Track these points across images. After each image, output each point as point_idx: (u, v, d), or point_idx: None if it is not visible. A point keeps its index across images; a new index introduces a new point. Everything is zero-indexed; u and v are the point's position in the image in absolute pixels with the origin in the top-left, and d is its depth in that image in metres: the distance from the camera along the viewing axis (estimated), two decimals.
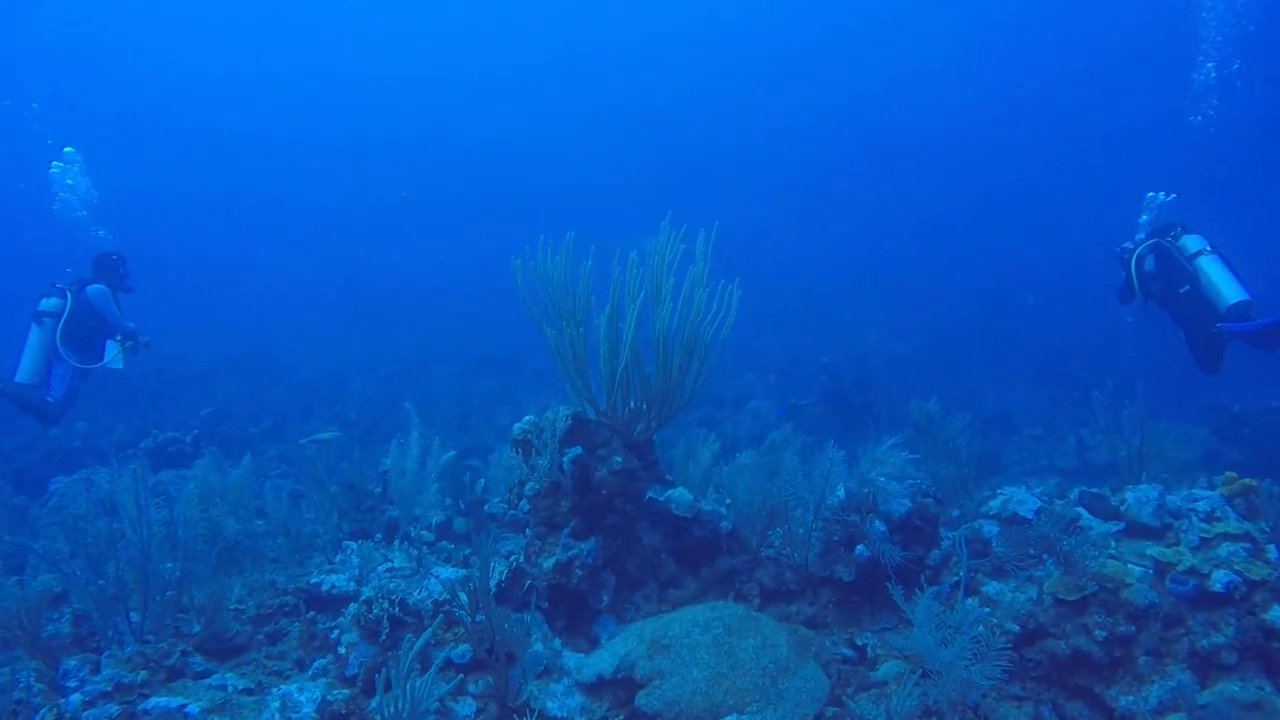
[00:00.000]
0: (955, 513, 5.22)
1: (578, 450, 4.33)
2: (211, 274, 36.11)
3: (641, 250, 4.35)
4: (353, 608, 3.83)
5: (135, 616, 3.69)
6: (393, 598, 3.70)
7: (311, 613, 4.40)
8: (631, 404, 4.49)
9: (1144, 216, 6.70)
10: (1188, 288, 5.84)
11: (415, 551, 5.12)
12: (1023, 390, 13.13)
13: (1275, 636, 3.59)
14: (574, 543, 4.23)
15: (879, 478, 4.30)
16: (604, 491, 4.38)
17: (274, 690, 3.30)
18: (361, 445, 13.06)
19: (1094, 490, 4.63)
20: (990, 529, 4.89)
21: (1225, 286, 5.66)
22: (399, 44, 42.00)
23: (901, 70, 38.15)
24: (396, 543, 5.42)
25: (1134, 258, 6.28)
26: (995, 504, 5.06)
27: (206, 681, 3.30)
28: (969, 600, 4.26)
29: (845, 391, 11.32)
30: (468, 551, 5.84)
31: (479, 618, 3.60)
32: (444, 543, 6.00)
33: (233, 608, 4.67)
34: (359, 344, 22.14)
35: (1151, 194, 6.82)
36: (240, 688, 3.30)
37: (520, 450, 4.60)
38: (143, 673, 3.21)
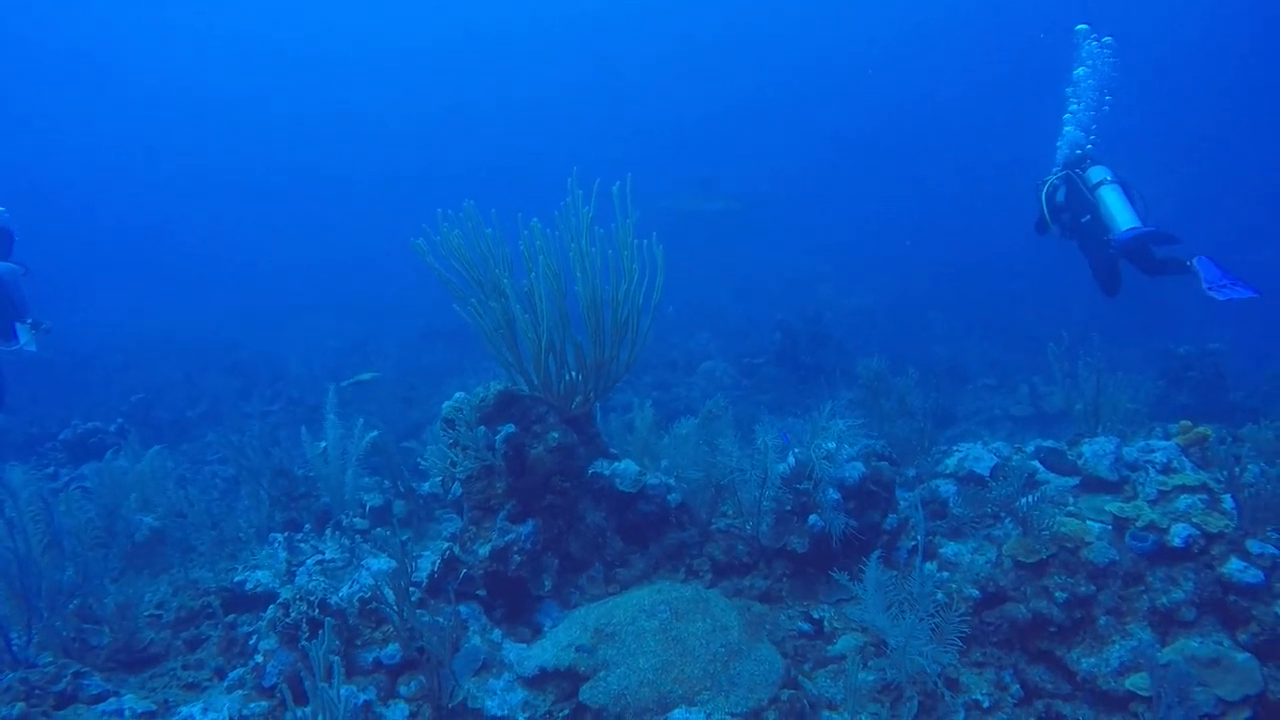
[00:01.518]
0: (911, 472, 5.07)
1: (510, 428, 4.05)
2: (140, 251, 34.28)
3: (559, 212, 4.04)
4: (271, 610, 3.54)
5: (18, 637, 3.32)
6: (311, 598, 3.40)
7: (231, 615, 4.09)
8: (567, 376, 4.21)
9: (1060, 144, 6.74)
10: (1088, 217, 5.97)
11: (348, 541, 4.82)
12: (975, 341, 13.12)
13: (1232, 589, 3.48)
14: (511, 526, 3.97)
15: (829, 443, 4.10)
16: (541, 470, 4.12)
17: (180, 711, 3.00)
18: (307, 425, 12.64)
19: (1050, 444, 4.50)
20: (947, 488, 4.76)
21: (1120, 214, 5.76)
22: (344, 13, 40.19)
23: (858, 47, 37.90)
24: (329, 532, 5.12)
25: (1044, 190, 6.39)
26: (951, 462, 4.92)
27: (101, 707, 2.97)
28: (927, 565, 4.11)
29: (799, 349, 11.18)
30: (407, 536, 5.57)
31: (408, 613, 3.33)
32: (380, 529, 5.70)
33: (150, 613, 4.34)
34: (308, 320, 21.38)
35: (1069, 117, 6.85)
36: (139, 711, 2.98)
37: (451, 430, 4.31)
38: (20, 705, 2.85)
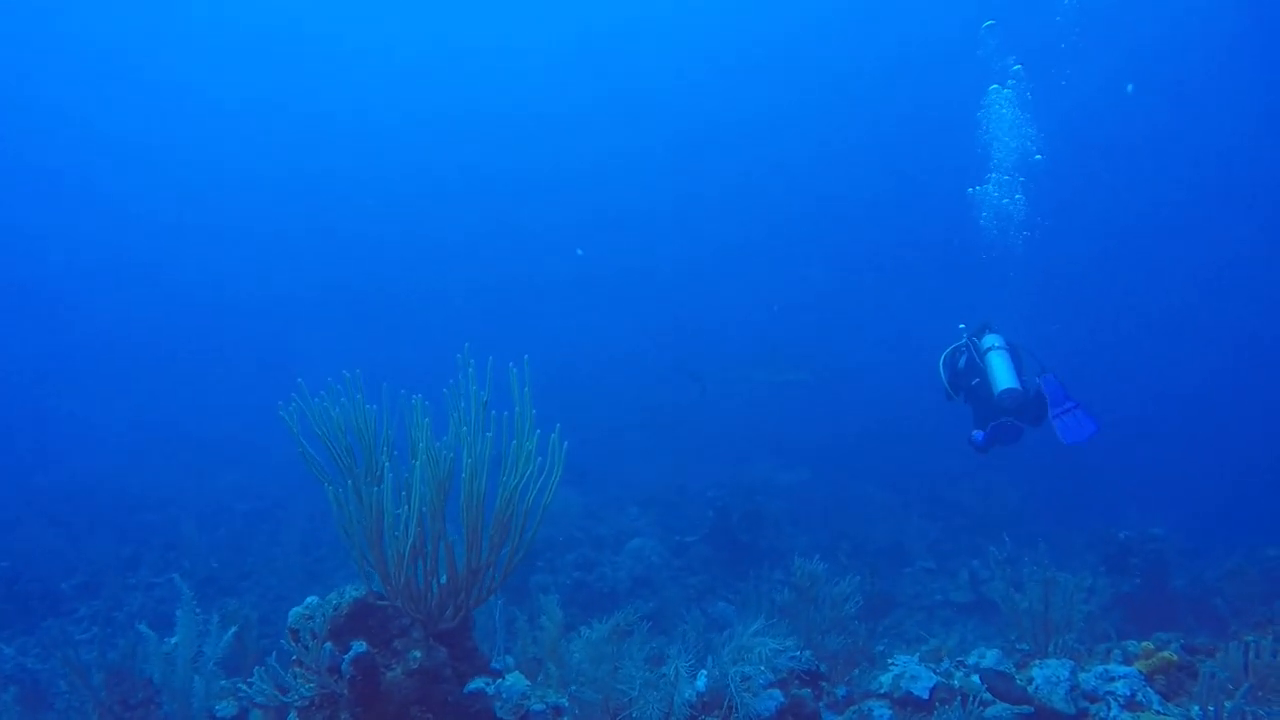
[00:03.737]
0: (841, 691, 4.41)
1: (361, 647, 3.36)
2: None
3: (449, 389, 3.56)
4: None
5: None
6: None
7: None
8: (437, 583, 3.58)
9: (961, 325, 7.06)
10: (977, 380, 6.27)
11: None
12: (915, 519, 12.70)
13: None
14: None
15: (745, 669, 3.48)
16: (397, 698, 3.40)
17: None
18: (196, 600, 11.40)
19: (998, 669, 3.93)
20: (882, 713, 4.12)
21: (999, 376, 6.02)
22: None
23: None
24: None
25: (942, 359, 6.70)
26: (887, 680, 4.30)
27: None
28: None
29: (733, 528, 10.59)
30: None
31: None
32: None
33: None
34: (223, 475, 19.88)
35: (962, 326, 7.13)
36: None
37: (297, 643, 3.59)
38: None
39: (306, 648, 3.29)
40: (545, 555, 10.41)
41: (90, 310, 35.56)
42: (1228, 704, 3.23)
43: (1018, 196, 9.68)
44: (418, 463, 3.43)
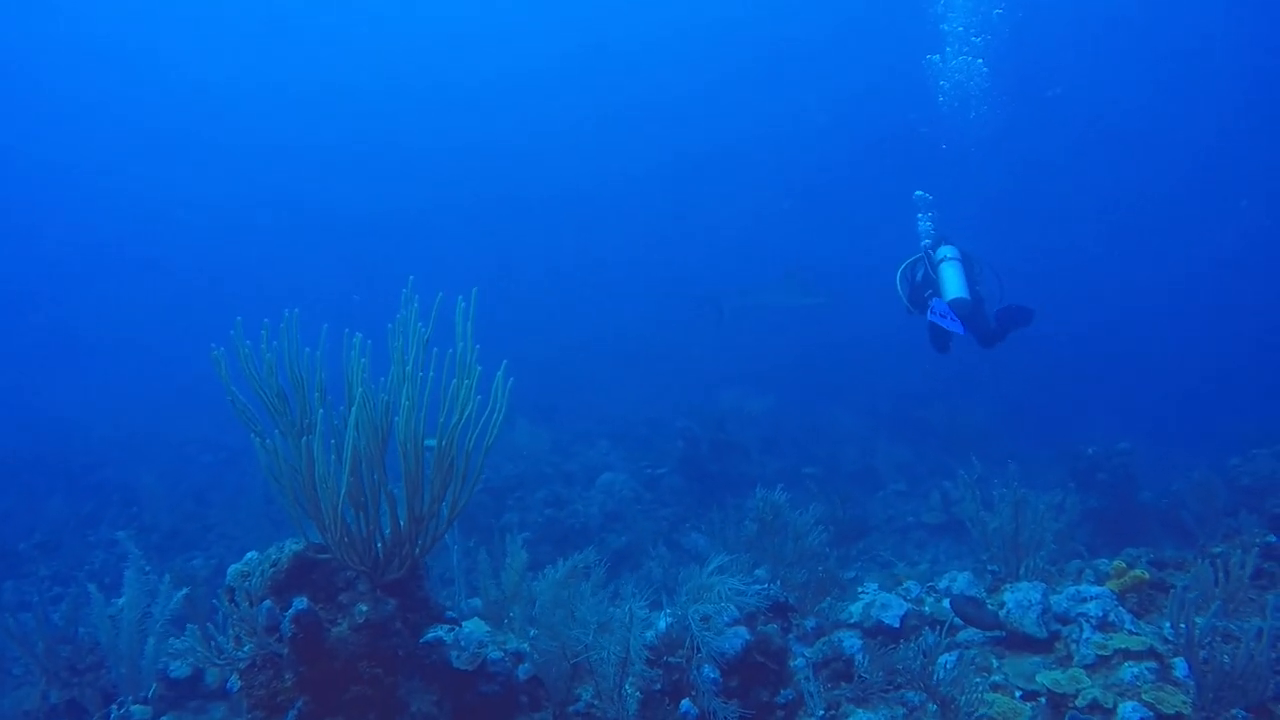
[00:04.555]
0: (811, 623, 4.31)
1: (302, 603, 3.15)
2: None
3: (396, 325, 3.29)
4: None
5: None
6: None
7: None
8: (381, 534, 3.37)
9: (921, 225, 7.16)
10: (930, 291, 6.35)
11: None
12: (885, 442, 12.69)
13: None
14: None
15: (708, 606, 3.33)
16: (344, 654, 3.21)
17: None
18: (157, 556, 11.17)
19: (969, 595, 3.82)
20: (852, 643, 4.01)
21: (948, 285, 6.14)
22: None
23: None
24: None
25: (899, 272, 6.73)
26: (857, 609, 4.21)
27: None
28: None
29: (703, 458, 10.49)
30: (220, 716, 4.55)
31: None
32: (188, 708, 4.62)
33: None
34: (184, 424, 19.42)
35: (920, 193, 7.28)
36: None
37: (234, 603, 3.38)
38: None
39: (238, 607, 3.08)
40: (516, 494, 10.27)
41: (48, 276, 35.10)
42: (1200, 620, 3.13)
43: (979, 61, 9.26)
44: (354, 408, 3.19)
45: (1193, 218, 30.68)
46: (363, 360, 3.31)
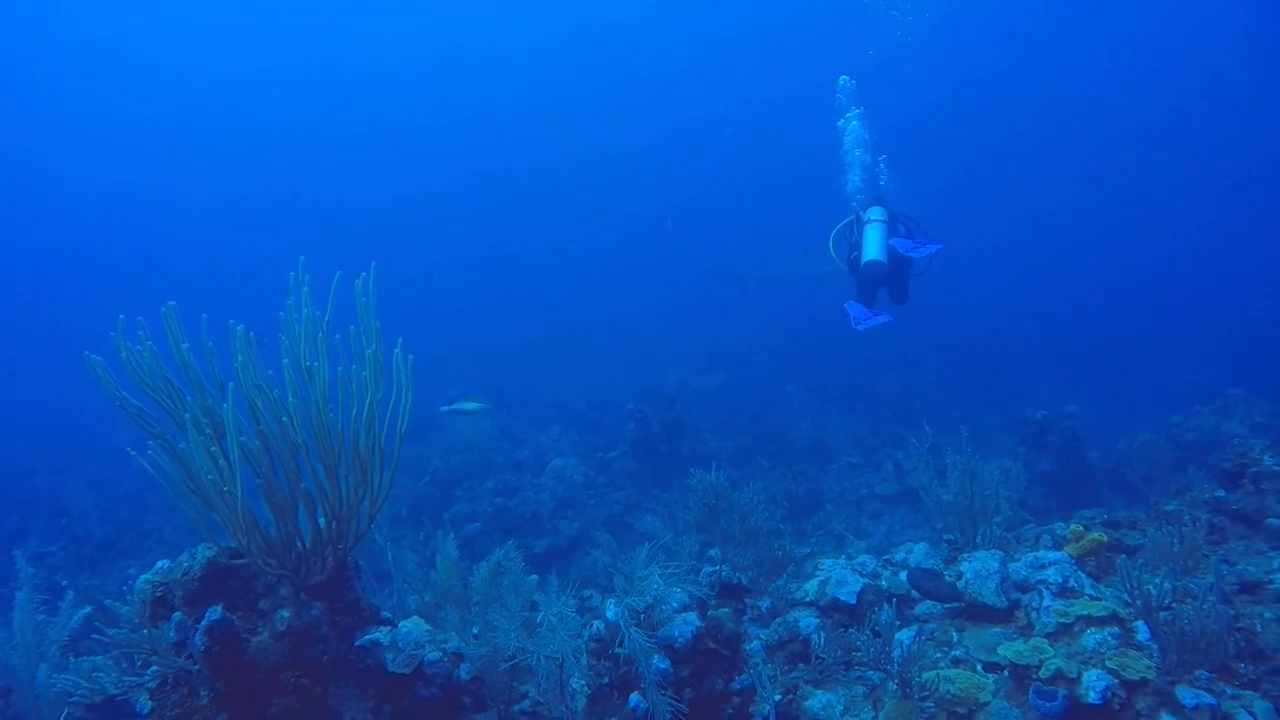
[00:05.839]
0: (765, 603, 4.14)
1: (216, 614, 2.86)
2: None
3: (284, 312, 2.99)
4: None
5: None
6: None
7: None
8: (297, 532, 3.09)
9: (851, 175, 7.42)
10: (856, 253, 6.46)
11: None
12: (836, 415, 12.63)
13: None
14: None
15: (634, 600, 3.12)
16: (265, 666, 2.94)
17: None
18: (89, 568, 10.62)
19: (925, 568, 3.67)
20: (809, 622, 3.86)
21: (868, 247, 6.26)
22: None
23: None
24: None
25: (833, 234, 6.83)
26: (812, 587, 4.05)
27: None
28: None
29: (654, 439, 10.29)
30: None
31: None
32: None
33: None
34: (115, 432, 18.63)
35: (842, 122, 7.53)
36: None
37: (147, 615, 3.08)
38: None
39: (133, 625, 2.79)
40: (464, 484, 9.97)
41: None
42: (1154, 585, 3.02)
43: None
44: (228, 405, 2.88)
45: (1138, 191, 31.47)
46: (250, 352, 3.01)
